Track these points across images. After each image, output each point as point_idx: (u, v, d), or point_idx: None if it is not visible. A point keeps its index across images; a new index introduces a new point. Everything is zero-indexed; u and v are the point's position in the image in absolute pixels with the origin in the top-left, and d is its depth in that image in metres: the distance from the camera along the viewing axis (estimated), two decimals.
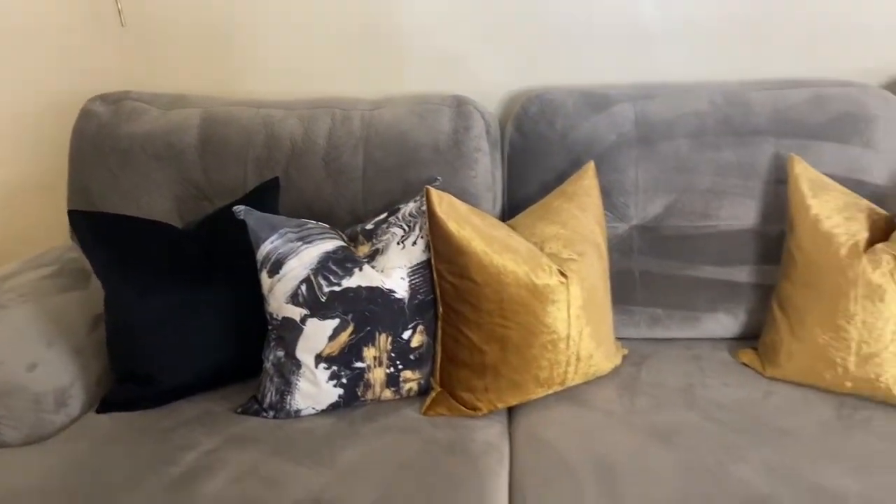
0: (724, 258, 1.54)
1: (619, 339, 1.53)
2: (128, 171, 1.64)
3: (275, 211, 1.47)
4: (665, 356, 1.51)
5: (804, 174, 1.39)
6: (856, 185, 1.47)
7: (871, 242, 1.30)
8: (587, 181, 1.48)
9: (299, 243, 1.34)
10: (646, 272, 1.57)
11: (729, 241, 1.54)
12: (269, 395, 1.36)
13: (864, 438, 1.23)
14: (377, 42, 1.76)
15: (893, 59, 1.67)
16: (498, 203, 1.63)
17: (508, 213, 1.63)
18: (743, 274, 1.54)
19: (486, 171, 1.59)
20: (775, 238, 1.49)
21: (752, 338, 1.53)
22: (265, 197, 1.49)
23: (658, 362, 1.49)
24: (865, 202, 1.40)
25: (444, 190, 1.37)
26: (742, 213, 1.54)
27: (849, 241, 1.30)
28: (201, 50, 1.81)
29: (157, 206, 1.64)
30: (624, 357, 1.50)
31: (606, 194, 1.54)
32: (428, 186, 1.34)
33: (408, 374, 1.39)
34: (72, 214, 1.41)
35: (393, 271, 1.37)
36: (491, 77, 1.76)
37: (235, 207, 1.35)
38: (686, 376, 1.43)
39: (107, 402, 1.40)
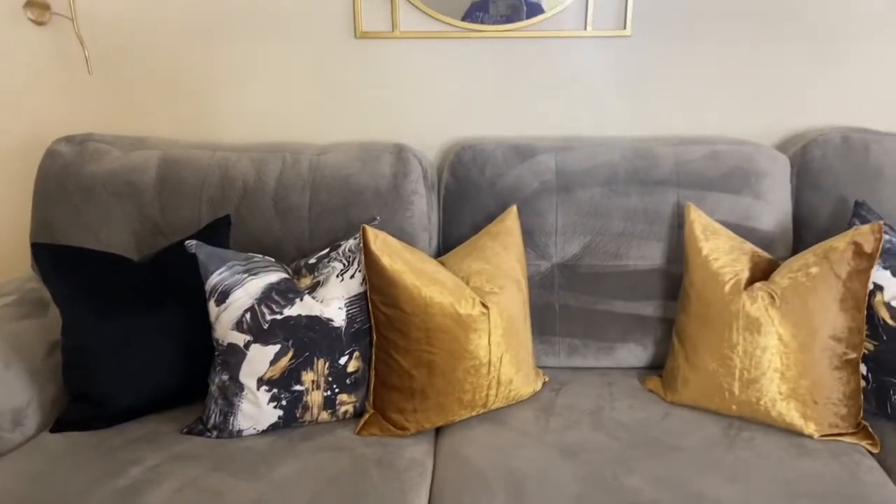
0: (634, 294, 1.70)
1: (540, 367, 1.68)
2: (89, 208, 1.73)
3: (225, 246, 1.58)
4: (581, 382, 1.65)
5: (698, 220, 1.57)
6: (747, 232, 1.65)
7: (751, 281, 1.48)
8: (509, 222, 1.64)
9: (245, 275, 1.46)
10: (565, 306, 1.72)
11: (638, 279, 1.70)
12: (213, 416, 1.46)
13: (744, 454, 1.38)
14: (328, 93, 1.92)
15: (783, 122, 1.89)
16: (434, 241, 1.78)
17: (444, 250, 1.76)
18: (650, 308, 1.70)
19: (423, 212, 1.73)
20: (678, 276, 1.66)
21: (660, 367, 1.68)
22: (216, 233, 1.60)
23: (574, 388, 1.63)
24: (750, 245, 1.58)
25: (383, 229, 1.51)
26: (649, 254, 1.70)
27: (732, 280, 1.47)
28: (162, 97, 1.94)
29: (116, 240, 1.72)
30: (544, 383, 1.64)
31: (530, 235, 1.71)
32: (365, 225, 1.47)
33: (344, 397, 1.51)
34: (35, 247, 1.50)
35: (332, 301, 1.49)
36: (430, 127, 1.93)
37: (187, 242, 1.46)
38: (597, 400, 1.57)
39: (61, 422, 1.48)
